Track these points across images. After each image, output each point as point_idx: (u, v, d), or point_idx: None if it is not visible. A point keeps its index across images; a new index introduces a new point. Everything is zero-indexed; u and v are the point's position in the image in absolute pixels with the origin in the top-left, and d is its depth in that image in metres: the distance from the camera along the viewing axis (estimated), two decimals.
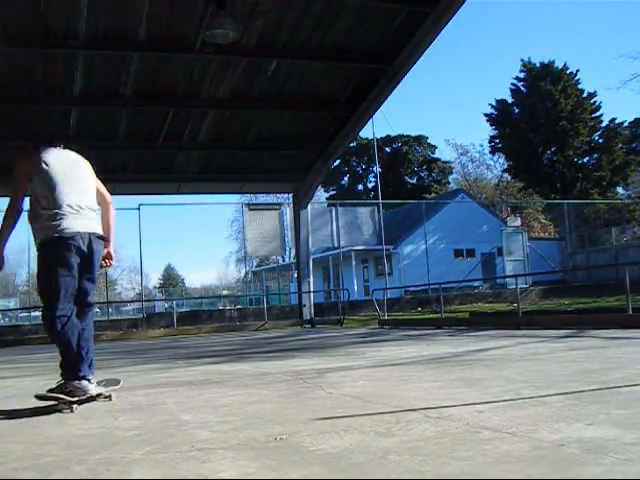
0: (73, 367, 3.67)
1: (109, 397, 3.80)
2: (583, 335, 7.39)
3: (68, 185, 3.79)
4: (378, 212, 19.64)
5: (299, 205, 16.76)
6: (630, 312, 8.25)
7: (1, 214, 3.92)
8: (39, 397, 3.56)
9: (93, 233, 3.80)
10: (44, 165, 3.77)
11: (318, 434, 2.48)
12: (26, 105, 12.40)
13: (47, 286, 3.71)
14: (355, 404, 3.22)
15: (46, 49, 11.02)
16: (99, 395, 3.72)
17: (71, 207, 3.73)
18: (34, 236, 3.78)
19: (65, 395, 3.53)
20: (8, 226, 3.83)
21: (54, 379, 3.64)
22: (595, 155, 40.10)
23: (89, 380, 3.67)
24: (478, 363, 4.90)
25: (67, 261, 3.67)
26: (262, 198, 39.84)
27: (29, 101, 12.22)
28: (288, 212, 18.69)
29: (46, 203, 3.71)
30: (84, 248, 3.72)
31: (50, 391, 3.59)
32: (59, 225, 3.66)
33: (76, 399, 3.55)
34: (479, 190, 46.29)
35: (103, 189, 4.16)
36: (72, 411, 3.51)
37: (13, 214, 3.81)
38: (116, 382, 4.07)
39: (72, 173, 3.89)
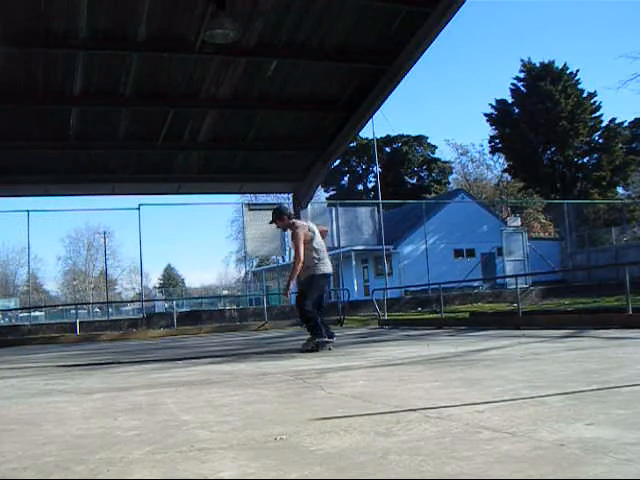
0: (315, 332, 7.17)
1: (330, 348, 7.15)
2: (583, 335, 7.39)
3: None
4: (378, 212, 19.64)
5: (299, 205, 16.74)
6: (630, 312, 8.25)
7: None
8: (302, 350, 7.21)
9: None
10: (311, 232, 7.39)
11: (318, 434, 2.47)
12: (26, 105, 12.39)
13: (312, 295, 7.40)
14: (355, 404, 3.22)
15: (46, 49, 11.01)
16: (328, 342, 7.16)
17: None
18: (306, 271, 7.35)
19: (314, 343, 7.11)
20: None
21: (54, 379, 3.64)
22: (595, 155, 40.12)
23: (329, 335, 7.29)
24: (478, 363, 4.90)
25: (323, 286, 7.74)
26: (262, 198, 39.85)
27: (29, 101, 12.22)
28: None
29: (317, 254, 7.30)
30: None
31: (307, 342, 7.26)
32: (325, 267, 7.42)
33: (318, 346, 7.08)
34: (479, 190, 46.35)
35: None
36: (318, 350, 6.99)
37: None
38: (333, 335, 7.42)
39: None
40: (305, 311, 7.28)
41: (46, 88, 11.98)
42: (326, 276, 7.50)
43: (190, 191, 16.85)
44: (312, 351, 7.00)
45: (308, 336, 7.34)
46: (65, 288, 57.79)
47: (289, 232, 7.64)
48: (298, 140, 15.04)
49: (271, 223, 7.69)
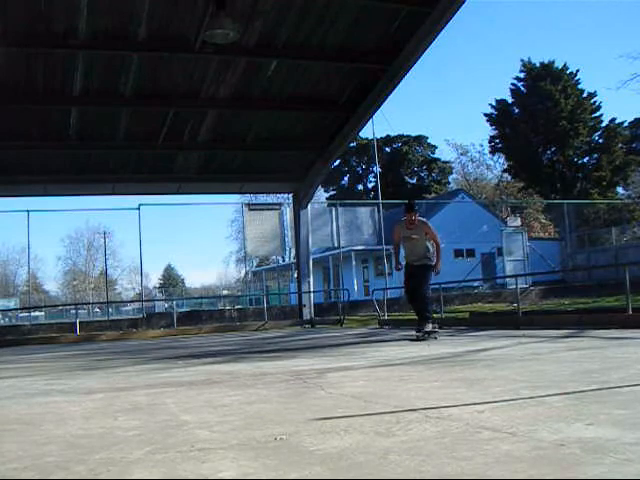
0: (430, 316, 8.32)
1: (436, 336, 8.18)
2: (583, 335, 7.38)
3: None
4: (378, 212, 19.64)
5: (299, 205, 16.76)
6: (630, 312, 8.24)
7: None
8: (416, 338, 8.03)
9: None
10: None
11: (318, 434, 2.47)
12: (26, 105, 12.39)
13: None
14: (355, 404, 3.22)
15: (46, 49, 11.02)
16: (434, 331, 8.21)
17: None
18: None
19: (424, 332, 8.04)
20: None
21: (54, 379, 3.64)
22: (595, 155, 40.11)
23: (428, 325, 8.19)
24: (478, 363, 4.90)
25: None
26: (262, 198, 39.82)
27: (29, 101, 12.22)
28: (288, 212, 18.68)
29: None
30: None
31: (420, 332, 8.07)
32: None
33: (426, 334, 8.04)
34: (479, 190, 46.38)
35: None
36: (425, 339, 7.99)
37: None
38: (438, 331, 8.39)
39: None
40: (428, 296, 8.52)
41: (46, 88, 11.99)
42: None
43: (190, 191, 16.86)
44: (424, 339, 7.92)
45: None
46: (65, 288, 57.76)
47: (424, 225, 8.72)
48: (298, 140, 15.04)
49: (408, 213, 8.63)
